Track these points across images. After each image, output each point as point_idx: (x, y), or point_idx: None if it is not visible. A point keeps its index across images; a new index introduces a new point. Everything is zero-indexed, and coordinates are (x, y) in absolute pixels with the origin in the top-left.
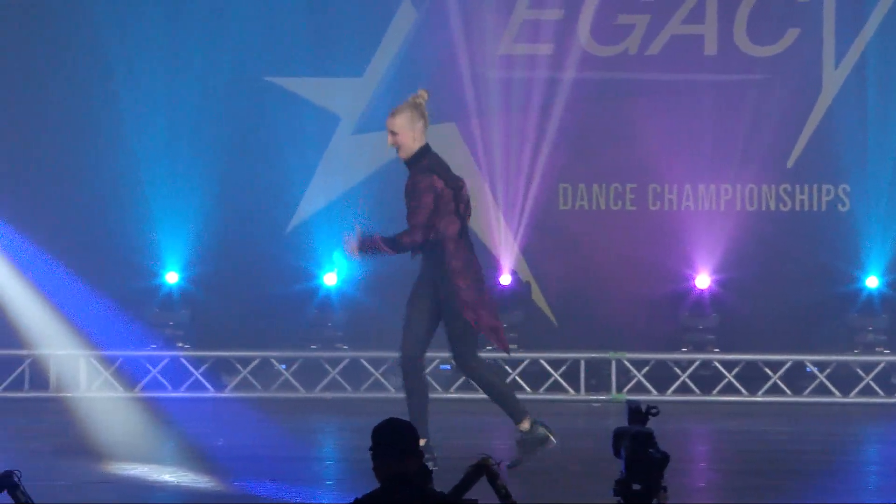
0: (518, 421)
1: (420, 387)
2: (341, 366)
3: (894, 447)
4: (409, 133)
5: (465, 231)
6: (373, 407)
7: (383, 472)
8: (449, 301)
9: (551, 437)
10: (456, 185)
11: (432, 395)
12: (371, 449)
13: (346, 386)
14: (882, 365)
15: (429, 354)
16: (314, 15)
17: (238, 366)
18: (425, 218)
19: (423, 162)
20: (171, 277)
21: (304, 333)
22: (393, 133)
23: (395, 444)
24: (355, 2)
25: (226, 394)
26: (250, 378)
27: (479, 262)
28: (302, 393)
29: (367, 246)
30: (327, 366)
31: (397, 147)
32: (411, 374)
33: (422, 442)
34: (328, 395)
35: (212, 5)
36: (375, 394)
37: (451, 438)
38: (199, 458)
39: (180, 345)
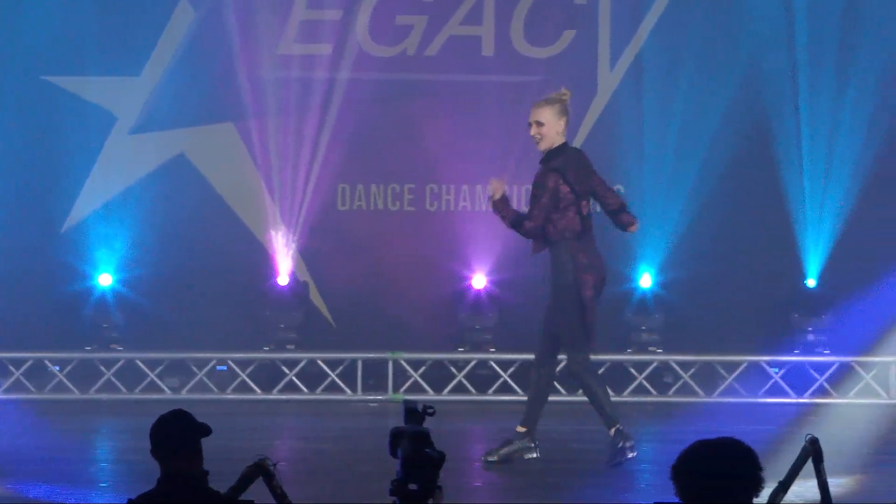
0: (609, 426)
1: (544, 386)
2: (116, 367)
3: (666, 445)
4: (554, 126)
5: (588, 229)
6: (148, 408)
7: (164, 470)
8: (571, 294)
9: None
10: (583, 188)
11: (208, 396)
12: (151, 447)
13: (122, 387)
14: (655, 364)
15: (207, 355)
16: (91, 13)
17: (11, 367)
18: (543, 212)
19: (556, 161)
20: None
21: (80, 334)
22: (539, 123)
23: (174, 441)
24: (132, 1)
25: None
26: (23, 380)
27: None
28: (76, 395)
29: (501, 205)
30: (102, 367)
31: (539, 138)
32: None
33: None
34: (103, 396)
35: None
36: (151, 395)
37: (228, 439)
38: None
39: None
